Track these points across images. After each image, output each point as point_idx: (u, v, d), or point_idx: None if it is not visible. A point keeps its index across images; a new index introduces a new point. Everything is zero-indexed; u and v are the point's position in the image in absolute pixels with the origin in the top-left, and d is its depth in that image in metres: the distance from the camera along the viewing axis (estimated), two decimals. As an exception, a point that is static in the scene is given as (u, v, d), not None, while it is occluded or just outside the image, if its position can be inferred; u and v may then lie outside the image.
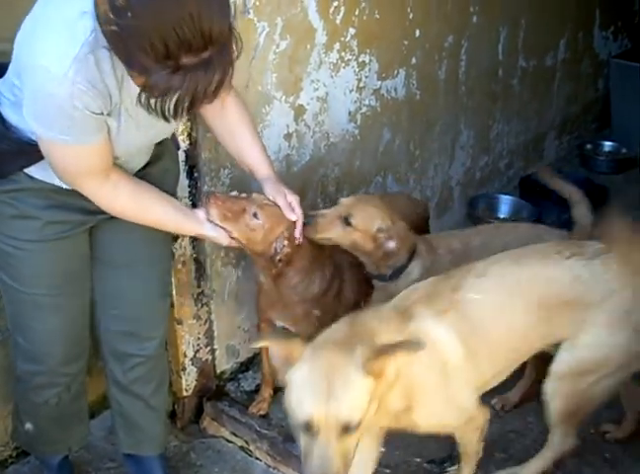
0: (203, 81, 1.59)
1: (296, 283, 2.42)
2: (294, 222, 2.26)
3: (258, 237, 2.24)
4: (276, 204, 2.23)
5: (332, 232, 2.41)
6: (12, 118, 1.87)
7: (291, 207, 2.24)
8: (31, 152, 1.87)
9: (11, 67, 1.83)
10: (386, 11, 3.19)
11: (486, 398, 2.83)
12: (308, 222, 2.32)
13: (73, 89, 1.67)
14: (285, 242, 2.28)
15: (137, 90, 1.72)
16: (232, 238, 2.20)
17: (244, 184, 2.72)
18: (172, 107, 1.63)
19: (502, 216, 4.39)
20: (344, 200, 2.51)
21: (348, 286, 2.65)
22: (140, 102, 1.65)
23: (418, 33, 3.45)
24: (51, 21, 1.69)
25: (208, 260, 2.75)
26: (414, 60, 3.49)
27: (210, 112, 2.19)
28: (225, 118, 2.21)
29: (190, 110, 1.67)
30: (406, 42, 3.41)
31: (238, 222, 2.19)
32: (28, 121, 1.77)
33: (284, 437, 2.72)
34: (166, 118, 1.68)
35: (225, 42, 1.60)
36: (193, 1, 1.51)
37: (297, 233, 2.27)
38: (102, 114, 1.76)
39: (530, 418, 2.86)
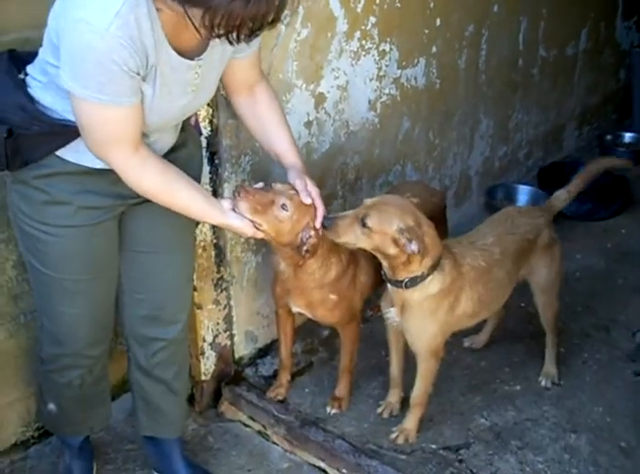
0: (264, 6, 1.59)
1: (315, 270, 2.44)
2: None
3: (286, 228, 2.25)
4: (294, 188, 2.23)
5: (350, 235, 2.31)
6: (44, 99, 1.88)
7: (309, 193, 2.23)
8: (63, 133, 1.88)
9: (43, 48, 1.85)
10: (407, 0, 3.20)
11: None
12: (328, 225, 2.28)
13: (114, 43, 1.67)
14: (312, 232, 2.28)
15: (172, 54, 1.76)
16: (259, 230, 2.19)
17: (264, 171, 2.75)
18: (235, 32, 1.63)
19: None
20: (366, 201, 2.39)
21: (363, 271, 2.66)
22: (204, 25, 1.62)
23: (439, 22, 3.46)
24: None
25: (228, 245, 2.77)
26: (434, 49, 3.50)
27: (240, 99, 2.22)
28: (255, 106, 2.22)
29: (251, 35, 1.66)
30: (427, 31, 3.41)
31: (267, 214, 2.18)
32: (64, 83, 1.76)
33: (302, 422, 2.75)
34: (230, 43, 1.68)
35: None
36: None
37: (317, 224, 2.27)
38: (138, 74, 1.76)
39: (546, 406, 2.87)
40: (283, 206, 2.21)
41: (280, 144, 2.26)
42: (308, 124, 2.92)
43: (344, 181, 3.22)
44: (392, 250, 2.32)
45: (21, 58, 1.96)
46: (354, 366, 2.83)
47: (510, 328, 3.31)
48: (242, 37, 1.65)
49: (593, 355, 3.16)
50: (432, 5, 3.37)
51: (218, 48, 1.91)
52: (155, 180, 1.96)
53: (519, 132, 4.52)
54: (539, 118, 4.70)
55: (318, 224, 2.27)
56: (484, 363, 3.10)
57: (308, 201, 2.23)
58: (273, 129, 2.25)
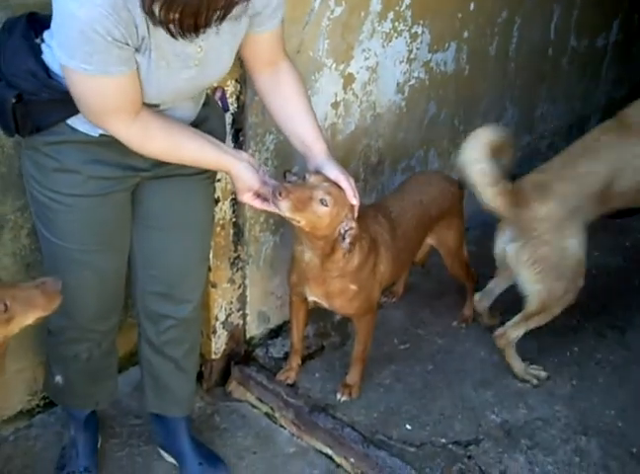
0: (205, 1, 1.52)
1: (340, 258, 2.38)
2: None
3: (324, 223, 2.19)
4: (338, 186, 2.14)
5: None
6: (54, 65, 1.84)
7: (349, 185, 2.16)
8: (72, 102, 1.82)
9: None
10: (444, -19, 3.13)
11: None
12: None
13: (95, 12, 1.61)
14: (352, 224, 2.22)
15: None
16: (297, 223, 2.14)
17: (288, 150, 2.69)
18: (177, 23, 1.56)
19: (539, 198, 4.34)
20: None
21: (383, 261, 2.62)
22: (144, 9, 1.57)
23: (473, 6, 3.38)
24: None
25: (247, 224, 2.73)
26: (466, 34, 3.42)
27: (262, 78, 2.12)
28: (278, 88, 2.11)
29: (196, 30, 1.59)
30: (460, 16, 3.34)
31: (306, 211, 2.12)
32: (55, 52, 1.73)
33: (311, 408, 2.72)
34: (172, 35, 1.61)
35: None
36: None
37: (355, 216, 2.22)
38: (127, 44, 1.69)
39: (558, 406, 2.83)
40: (322, 201, 2.14)
41: (307, 132, 2.13)
42: (335, 105, 2.86)
43: (366, 164, 3.17)
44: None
45: (40, 22, 1.91)
46: (367, 355, 2.79)
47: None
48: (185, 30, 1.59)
49: (607, 357, 3.12)
50: (467, -12, 3.30)
51: (229, 21, 1.75)
52: (160, 142, 1.90)
53: (542, 122, 4.45)
54: (564, 109, 4.63)
55: (356, 215, 2.22)
56: (496, 358, 3.06)
57: (354, 202, 2.17)
58: (298, 115, 2.13)
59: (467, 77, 3.57)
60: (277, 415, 2.80)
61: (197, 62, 1.86)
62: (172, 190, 2.11)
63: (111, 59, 1.70)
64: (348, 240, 2.25)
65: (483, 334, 3.19)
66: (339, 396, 2.79)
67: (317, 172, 2.16)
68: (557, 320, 3.16)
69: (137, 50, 1.73)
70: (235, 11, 1.61)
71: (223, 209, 2.61)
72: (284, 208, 2.07)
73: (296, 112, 2.13)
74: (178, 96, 1.96)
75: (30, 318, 1.77)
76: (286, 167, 2.72)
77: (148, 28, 1.71)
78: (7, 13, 2.02)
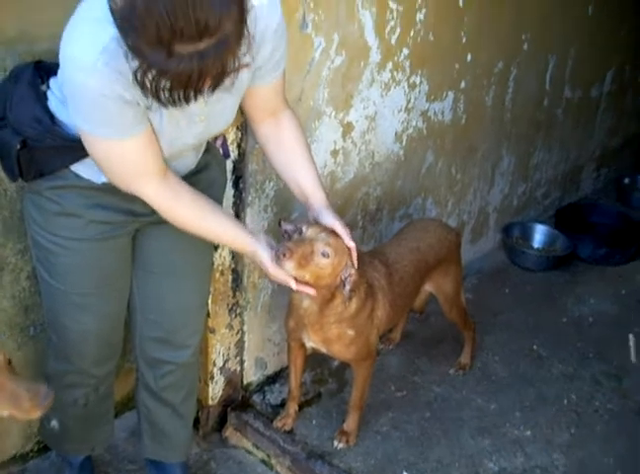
0: (196, 72, 1.50)
1: (338, 304, 2.39)
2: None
3: (327, 273, 2.19)
4: (334, 232, 2.15)
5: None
6: (60, 113, 1.86)
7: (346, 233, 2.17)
8: (77, 149, 1.85)
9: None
10: (441, 33, 3.18)
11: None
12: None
13: (103, 79, 1.63)
14: (352, 271, 2.24)
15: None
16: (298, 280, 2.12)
17: (287, 197, 2.71)
18: (167, 93, 1.55)
19: (536, 245, 4.38)
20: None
21: (380, 306, 2.62)
22: (136, 79, 1.55)
23: (469, 57, 3.44)
24: (85, 13, 1.66)
25: (246, 271, 2.74)
26: (463, 84, 3.48)
27: (263, 128, 2.13)
28: (279, 138, 2.13)
29: (186, 100, 1.58)
30: (457, 66, 3.40)
31: (310, 266, 2.13)
32: (71, 117, 1.76)
33: (308, 455, 2.70)
34: (163, 105, 1.60)
35: (226, 36, 1.49)
36: None
37: (355, 263, 2.22)
38: (138, 104, 1.70)
39: (556, 455, 2.82)
40: (324, 254, 2.14)
41: (307, 181, 2.15)
42: (334, 153, 2.89)
43: (365, 211, 3.19)
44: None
45: (47, 69, 1.94)
46: (364, 402, 2.78)
47: (521, 371, 3.28)
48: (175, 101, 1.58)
49: (604, 405, 3.11)
50: (464, 40, 3.35)
51: (230, 77, 1.77)
52: (187, 210, 1.93)
53: (538, 171, 4.50)
54: (559, 158, 4.69)
55: (356, 264, 2.22)
56: (494, 406, 3.06)
57: (352, 245, 2.17)
58: (299, 165, 2.15)
59: (464, 126, 3.61)
60: (273, 462, 2.78)
61: (202, 118, 1.88)
62: (171, 235, 2.11)
63: (127, 121, 1.72)
64: (348, 287, 2.26)
65: (480, 382, 3.20)
66: (336, 443, 2.77)
67: (313, 222, 2.17)
68: (554, 368, 3.18)
69: (149, 108, 1.74)
70: (227, 82, 1.60)
71: (222, 256, 2.62)
72: (290, 268, 2.07)
73: (297, 162, 2.15)
74: (186, 149, 1.99)
75: (4, 413, 1.71)
76: (286, 214, 2.75)
77: None
78: (14, 59, 2.06)
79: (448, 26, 3.24)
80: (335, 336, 2.50)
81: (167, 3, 1.41)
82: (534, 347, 3.43)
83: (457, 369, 3.25)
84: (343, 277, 2.24)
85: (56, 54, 1.82)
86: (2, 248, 2.31)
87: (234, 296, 2.74)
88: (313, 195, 2.15)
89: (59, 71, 1.72)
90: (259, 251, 2.03)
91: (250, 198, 2.63)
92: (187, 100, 1.57)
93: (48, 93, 1.89)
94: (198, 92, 1.56)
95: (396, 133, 3.19)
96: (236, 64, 1.56)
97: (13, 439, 2.64)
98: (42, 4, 2.08)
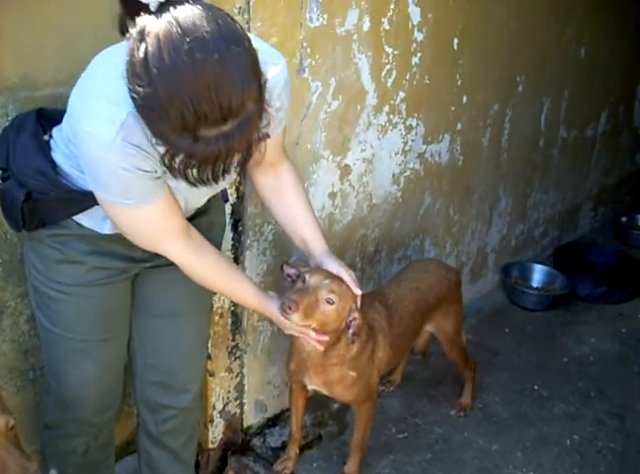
0: (224, 153, 1.54)
1: (341, 346, 2.40)
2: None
3: (332, 319, 2.22)
4: (340, 279, 2.21)
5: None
6: (64, 166, 1.87)
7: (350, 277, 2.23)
8: (80, 201, 1.87)
9: (66, 119, 1.83)
10: (436, 77, 3.23)
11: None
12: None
13: (122, 153, 1.65)
14: (356, 315, 2.26)
15: None
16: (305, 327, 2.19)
17: (286, 240, 2.72)
18: (195, 172, 1.59)
19: (535, 285, 4.38)
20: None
21: (381, 347, 2.63)
22: (164, 163, 1.59)
23: (465, 99, 3.48)
24: (100, 89, 1.67)
25: (245, 313, 2.74)
26: (459, 126, 3.52)
27: (263, 181, 2.19)
28: (280, 192, 2.19)
29: (215, 178, 1.62)
30: (453, 108, 3.44)
31: (316, 314, 2.17)
32: (90, 188, 1.77)
33: (309, 498, 2.69)
34: (192, 184, 1.64)
35: (249, 115, 1.53)
36: (211, 73, 1.44)
37: (359, 305, 2.27)
38: (156, 172, 1.73)
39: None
40: (329, 301, 2.19)
41: (308, 232, 2.22)
42: (332, 195, 2.92)
43: (363, 253, 3.20)
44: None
45: (49, 118, 1.95)
46: (366, 444, 2.77)
47: (522, 412, 3.27)
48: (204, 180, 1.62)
49: (607, 444, 3.09)
50: (459, 83, 3.40)
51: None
52: (210, 267, 1.98)
53: (536, 211, 4.53)
54: (556, 198, 4.71)
55: (359, 305, 2.27)
56: (496, 447, 3.04)
57: (359, 292, 2.23)
58: (299, 217, 2.21)
59: (461, 168, 3.64)
60: (274, 505, 2.76)
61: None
62: (170, 278, 2.12)
63: (147, 189, 1.75)
64: (352, 330, 2.29)
65: (481, 422, 3.18)
66: (337, 486, 2.76)
67: (316, 269, 2.23)
68: (555, 408, 3.16)
69: (165, 173, 1.75)
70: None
71: (222, 298, 2.63)
72: (297, 320, 2.12)
73: (297, 214, 2.21)
74: (198, 206, 2.05)
75: None
76: (285, 257, 2.76)
77: None
78: (16, 106, 2.08)
79: (444, 69, 3.29)
80: (337, 378, 2.50)
81: (190, 91, 1.44)
82: (535, 387, 3.41)
83: (458, 410, 3.24)
84: (347, 321, 2.27)
85: (59, 100, 1.86)
86: (2, 291, 2.30)
87: (234, 339, 2.73)
88: (314, 244, 2.23)
89: (75, 141, 1.72)
90: (275, 310, 2.13)
91: (249, 242, 2.64)
92: (215, 178, 1.61)
93: (51, 142, 1.90)
94: (226, 169, 1.60)
95: (393, 175, 3.22)
96: (259, 136, 1.61)
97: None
98: (44, 50, 2.11)
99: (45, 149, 1.89)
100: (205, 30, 1.45)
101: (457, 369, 3.24)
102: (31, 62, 2.10)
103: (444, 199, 3.62)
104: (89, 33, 2.18)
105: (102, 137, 1.64)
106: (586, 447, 3.06)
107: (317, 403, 3.07)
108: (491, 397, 3.37)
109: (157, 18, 1.48)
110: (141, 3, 1.52)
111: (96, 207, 1.88)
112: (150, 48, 1.45)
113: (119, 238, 1.94)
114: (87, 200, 1.85)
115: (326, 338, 2.26)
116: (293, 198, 2.20)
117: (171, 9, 1.48)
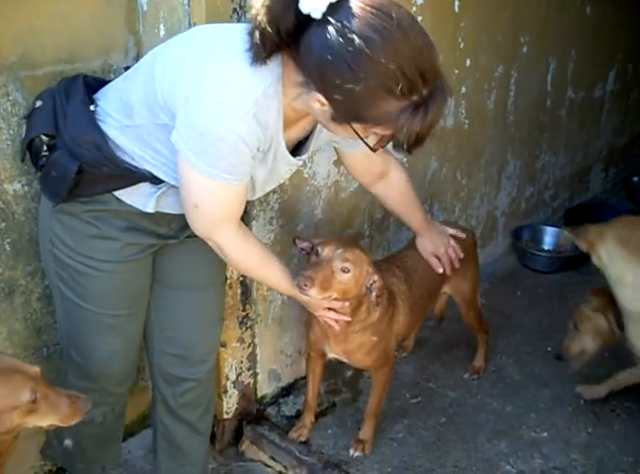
0: (439, 111, 1.64)
1: (362, 312, 2.41)
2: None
3: (351, 285, 2.24)
4: (353, 245, 2.29)
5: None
6: (118, 139, 1.85)
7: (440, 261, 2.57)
8: (129, 177, 1.86)
9: (134, 93, 1.81)
10: (438, 40, 3.08)
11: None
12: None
13: (251, 128, 1.66)
14: (375, 277, 2.28)
15: (282, 144, 1.80)
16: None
17: (291, 209, 2.73)
18: (413, 140, 1.66)
19: (546, 247, 4.37)
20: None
21: (401, 311, 2.64)
22: (358, 135, 1.66)
23: (468, 62, 3.45)
24: (239, 61, 1.65)
25: (255, 283, 2.75)
26: (464, 89, 3.49)
27: (377, 189, 2.41)
28: (393, 193, 2.42)
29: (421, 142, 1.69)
30: (456, 71, 3.41)
31: (334, 285, 2.18)
32: (185, 159, 1.72)
33: (324, 465, 2.70)
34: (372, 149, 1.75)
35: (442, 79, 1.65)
36: (417, 35, 1.54)
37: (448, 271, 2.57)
38: (260, 152, 1.77)
39: (574, 455, 2.80)
40: (344, 269, 2.20)
41: (416, 217, 2.52)
42: (338, 163, 2.90)
43: (371, 220, 3.20)
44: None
45: (90, 86, 1.95)
46: (380, 410, 2.79)
47: (536, 373, 3.28)
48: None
49: (621, 403, 3.09)
50: (462, 45, 3.37)
51: (313, 140, 1.95)
52: (255, 254, 2.00)
53: (545, 173, 4.50)
54: (566, 160, 4.68)
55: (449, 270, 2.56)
56: (510, 408, 3.05)
57: (440, 271, 2.59)
58: (410, 204, 2.46)
59: (467, 131, 3.62)
60: (290, 473, 2.77)
61: (286, 175, 2.00)
62: (187, 251, 2.14)
63: (248, 168, 1.77)
64: (375, 293, 2.30)
65: (495, 385, 3.19)
66: (352, 452, 2.77)
67: (327, 239, 2.30)
68: (568, 369, 3.15)
69: (265, 153, 1.81)
70: None
71: (230, 269, 2.63)
72: (315, 294, 2.13)
73: (407, 211, 2.50)
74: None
75: (47, 421, 1.78)
76: (291, 225, 2.76)
77: (272, 143, 1.80)
78: (16, 85, 2.09)
79: (445, 32, 3.26)
80: (357, 344, 2.52)
81: (409, 52, 1.54)
82: (549, 348, 3.41)
83: (472, 373, 3.25)
84: (367, 285, 2.28)
85: (59, 78, 1.86)
86: (12, 270, 2.32)
87: (244, 309, 2.74)
88: (419, 226, 2.57)
89: (187, 109, 1.69)
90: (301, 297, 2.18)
91: (255, 212, 2.64)
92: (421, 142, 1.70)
93: (98, 111, 1.88)
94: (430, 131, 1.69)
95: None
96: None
97: (31, 460, 2.63)
98: (42, 29, 2.11)
99: (96, 120, 1.87)
100: (392, 8, 1.54)
101: (470, 334, 3.25)
102: (29, 41, 2.10)
103: (451, 164, 3.60)
104: (86, 11, 2.18)
105: (238, 108, 1.64)
106: (599, 406, 3.07)
107: (331, 371, 3.08)
108: (504, 360, 3.38)
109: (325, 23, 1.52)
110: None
111: (140, 185, 1.89)
112: (359, 32, 1.50)
113: (150, 216, 1.96)
114: (134, 177, 1.87)
115: (347, 318, 2.30)
116: (404, 198, 2.45)
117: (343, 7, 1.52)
